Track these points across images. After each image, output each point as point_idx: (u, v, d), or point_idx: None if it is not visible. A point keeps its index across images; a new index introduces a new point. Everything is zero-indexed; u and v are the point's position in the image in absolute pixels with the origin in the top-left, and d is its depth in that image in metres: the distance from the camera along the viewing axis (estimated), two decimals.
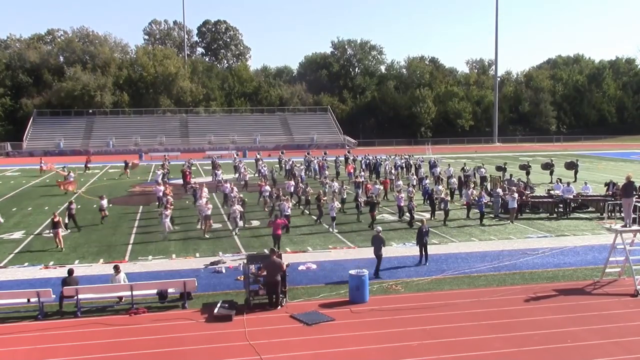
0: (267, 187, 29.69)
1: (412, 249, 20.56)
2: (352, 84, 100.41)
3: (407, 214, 25.69)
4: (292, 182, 31.96)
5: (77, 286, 14.89)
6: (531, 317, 14.25)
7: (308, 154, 49.20)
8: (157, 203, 29.73)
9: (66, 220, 24.58)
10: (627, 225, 17.13)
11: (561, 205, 27.95)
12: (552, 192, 29.80)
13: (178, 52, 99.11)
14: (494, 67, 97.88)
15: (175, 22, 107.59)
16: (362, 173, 37.94)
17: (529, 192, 29.73)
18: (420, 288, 16.68)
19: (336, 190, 29.45)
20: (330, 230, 24.33)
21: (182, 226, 25.17)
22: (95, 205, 30.99)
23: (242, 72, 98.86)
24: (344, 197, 29.27)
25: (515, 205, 26.21)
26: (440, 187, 30.34)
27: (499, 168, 39.38)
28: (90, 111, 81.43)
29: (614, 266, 17.50)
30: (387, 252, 18.19)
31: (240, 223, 24.40)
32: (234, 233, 23.81)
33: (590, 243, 22.07)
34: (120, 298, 15.33)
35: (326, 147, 69.46)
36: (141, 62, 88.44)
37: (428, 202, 28.41)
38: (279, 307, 14.97)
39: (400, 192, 27.76)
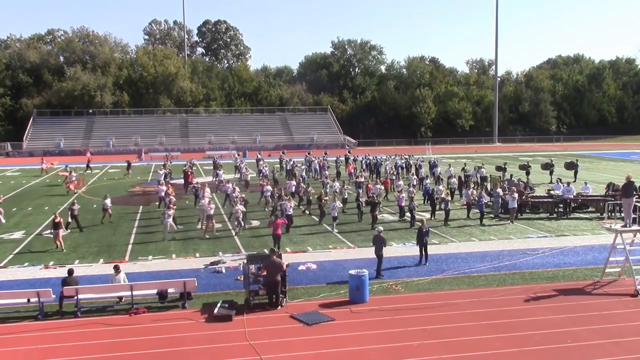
0: (269, 187, 29.69)
1: (412, 249, 20.56)
2: (352, 84, 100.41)
3: (408, 214, 25.69)
4: (294, 182, 31.96)
5: (77, 286, 14.89)
6: (531, 317, 14.25)
7: (309, 154, 49.22)
8: (158, 203, 29.72)
9: (69, 220, 24.58)
10: (627, 225, 17.13)
11: (561, 205, 27.96)
12: (552, 192, 29.81)
13: (178, 52, 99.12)
14: (494, 67, 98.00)
15: (175, 22, 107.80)
16: (363, 173, 37.96)
17: (529, 192, 29.74)
18: (420, 288, 16.68)
19: (337, 191, 29.46)
20: (331, 230, 24.34)
21: (182, 226, 25.17)
22: (95, 205, 31.02)
23: (242, 72, 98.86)
24: (345, 197, 29.28)
25: (515, 205, 26.21)
26: (440, 187, 30.35)
27: (499, 168, 39.40)
28: (90, 111, 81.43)
29: (614, 266, 17.50)
30: (387, 252, 18.20)
31: (242, 222, 24.38)
32: (239, 233, 23.82)
33: (590, 243, 22.07)
34: (120, 298, 15.33)
35: (326, 147, 69.44)
36: (141, 62, 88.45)
37: (429, 202, 28.43)
38: (279, 307, 14.97)
39: (402, 192, 27.75)
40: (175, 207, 25.06)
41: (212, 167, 45.80)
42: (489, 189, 31.81)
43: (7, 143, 72.73)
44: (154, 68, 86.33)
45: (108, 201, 26.72)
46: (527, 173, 38.59)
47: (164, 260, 19.99)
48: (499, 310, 14.78)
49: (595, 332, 13.30)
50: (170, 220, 23.23)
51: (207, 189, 28.69)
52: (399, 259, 19.63)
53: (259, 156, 47.30)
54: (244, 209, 24.69)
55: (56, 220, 21.60)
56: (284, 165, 44.14)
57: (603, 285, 16.80)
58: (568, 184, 29.29)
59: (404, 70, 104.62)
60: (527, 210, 28.22)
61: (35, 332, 13.56)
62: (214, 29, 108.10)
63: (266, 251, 18.78)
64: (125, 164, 47.02)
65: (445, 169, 38.44)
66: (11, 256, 20.69)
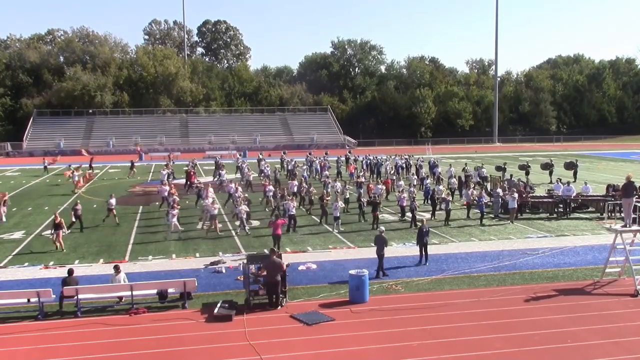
0: (271, 187, 29.69)
1: (412, 249, 20.57)
2: (352, 84, 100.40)
3: (409, 214, 25.70)
4: (296, 182, 31.96)
5: (77, 286, 14.89)
6: (531, 317, 14.25)
7: (310, 154, 49.24)
8: (162, 203, 29.67)
9: (72, 220, 24.59)
10: (627, 225, 17.14)
11: (561, 205, 27.96)
12: (552, 192, 29.80)
13: (178, 52, 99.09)
14: (494, 67, 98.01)
15: (175, 22, 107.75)
16: (362, 173, 37.95)
17: (529, 192, 29.74)
18: (420, 288, 16.68)
19: (339, 191, 29.47)
20: (333, 229, 24.36)
21: (183, 226, 25.15)
22: (95, 205, 31.04)
23: (242, 72, 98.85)
24: (347, 197, 29.28)
25: (515, 205, 26.22)
26: (441, 187, 30.36)
27: (498, 168, 39.43)
28: (90, 111, 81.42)
29: (614, 266, 17.50)
30: (387, 252, 18.18)
31: (246, 222, 24.37)
32: (244, 232, 23.84)
33: (590, 243, 22.08)
34: (120, 298, 15.33)
35: (326, 147, 69.42)
36: (141, 62, 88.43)
37: (429, 202, 28.44)
38: (279, 307, 14.97)
39: (403, 192, 27.74)
40: (179, 206, 25.09)
41: (211, 167, 45.86)
42: (489, 189, 31.82)
43: (7, 143, 72.73)
44: (154, 68, 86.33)
45: (113, 201, 26.68)
46: (527, 173, 38.61)
47: (164, 260, 20.00)
48: (498, 310, 14.78)
49: (595, 332, 13.30)
50: (175, 220, 23.28)
51: (210, 189, 28.70)
52: (399, 259, 19.63)
53: (260, 156, 47.27)
54: (247, 209, 24.69)
55: (57, 221, 21.60)
56: (285, 166, 44.15)
57: (603, 285, 16.80)
58: (568, 183, 29.30)
59: (404, 70, 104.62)
60: (527, 210, 28.22)
61: (35, 332, 13.56)
62: (214, 29, 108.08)
63: (266, 251, 18.78)
64: (129, 164, 47.11)
65: (446, 169, 38.44)
66: (11, 256, 20.70)
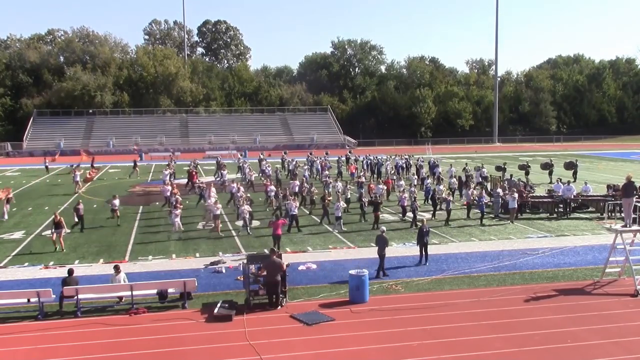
0: (273, 187, 29.69)
1: (412, 249, 20.57)
2: (352, 84, 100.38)
3: (410, 213, 25.71)
4: (297, 182, 31.97)
5: (77, 286, 14.89)
6: (531, 317, 14.25)
7: (311, 154, 49.25)
8: (165, 203, 29.67)
9: (75, 219, 24.58)
10: (627, 225, 17.14)
11: (561, 205, 27.96)
12: (552, 192, 29.80)
13: (178, 52, 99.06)
14: (494, 67, 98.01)
15: (175, 22, 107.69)
16: (362, 173, 37.93)
17: (529, 192, 29.74)
18: (420, 288, 16.68)
19: (340, 191, 29.49)
20: (334, 229, 24.36)
21: (183, 226, 25.14)
22: (95, 205, 31.05)
23: (242, 72, 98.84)
24: (348, 197, 29.30)
25: (515, 205, 26.22)
26: (441, 186, 30.36)
27: (498, 168, 39.44)
28: (90, 111, 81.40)
29: (614, 266, 17.50)
30: (387, 252, 18.17)
31: (249, 222, 24.36)
32: (245, 232, 23.84)
33: (590, 243, 22.08)
34: (120, 298, 15.34)
35: (326, 147, 69.42)
36: (141, 62, 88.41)
37: (430, 202, 28.43)
38: (279, 307, 14.97)
39: (404, 192, 27.76)
40: (181, 206, 25.11)
41: (211, 167, 45.85)
42: (489, 189, 31.81)
43: (7, 143, 72.71)
44: (154, 68, 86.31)
45: (117, 202, 26.68)
46: (527, 173, 38.62)
47: (164, 260, 20.00)
48: (498, 310, 14.78)
49: (595, 332, 13.31)
50: (178, 219, 23.29)
51: (213, 189, 28.72)
52: (399, 259, 19.63)
53: (262, 156, 47.25)
54: (250, 209, 24.71)
55: (56, 220, 21.60)
56: (287, 166, 44.16)
57: (603, 285, 16.81)
58: (568, 182, 29.30)
59: (404, 70, 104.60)
60: (527, 210, 28.22)
61: (35, 332, 13.56)
62: (214, 29, 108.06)
63: (266, 251, 18.79)
64: (132, 164, 47.10)
65: (446, 169, 38.44)
66: (11, 256, 20.69)
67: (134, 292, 14.90)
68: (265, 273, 14.98)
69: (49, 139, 74.66)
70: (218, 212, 24.13)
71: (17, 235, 24.24)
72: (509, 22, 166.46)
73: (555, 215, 27.45)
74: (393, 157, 47.12)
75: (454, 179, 33.18)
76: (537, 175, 41.23)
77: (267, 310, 14.82)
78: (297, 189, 30.57)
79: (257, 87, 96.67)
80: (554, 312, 14.57)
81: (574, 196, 28.26)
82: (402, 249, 21.15)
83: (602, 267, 17.63)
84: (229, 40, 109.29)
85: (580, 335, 13.09)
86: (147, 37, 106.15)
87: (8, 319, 14.38)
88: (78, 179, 37.41)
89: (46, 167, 48.69)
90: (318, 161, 43.28)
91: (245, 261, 16.20)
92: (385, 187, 31.87)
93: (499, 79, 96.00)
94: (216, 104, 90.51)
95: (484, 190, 29.98)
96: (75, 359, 12.16)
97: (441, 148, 74.92)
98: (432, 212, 27.72)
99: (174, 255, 20.54)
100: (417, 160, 42.74)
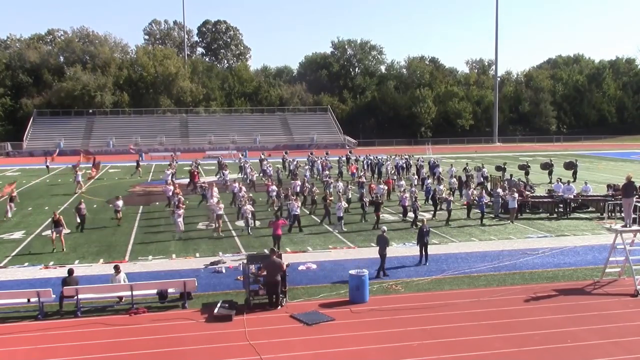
0: (274, 187, 29.70)
1: (412, 249, 20.57)
2: (352, 84, 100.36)
3: (411, 213, 25.71)
4: (298, 182, 31.97)
5: (77, 286, 14.90)
6: (531, 317, 14.25)
7: (311, 154, 49.25)
8: (168, 203, 29.67)
9: (77, 220, 24.59)
10: (627, 225, 17.14)
11: (561, 205, 27.96)
12: (552, 192, 29.80)
13: (178, 52, 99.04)
14: (494, 67, 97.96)
15: (175, 22, 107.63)
16: (363, 173, 37.92)
17: (529, 192, 29.74)
18: (420, 288, 16.69)
19: (341, 191, 29.50)
20: (334, 229, 24.36)
21: (183, 226, 25.15)
22: (95, 205, 31.03)
23: (242, 72, 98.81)
24: (349, 197, 29.30)
25: (515, 205, 26.22)
26: (442, 186, 30.37)
27: (498, 168, 39.43)
28: (90, 111, 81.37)
29: (614, 266, 17.50)
30: (387, 251, 18.17)
31: (251, 222, 24.36)
32: (246, 232, 23.84)
33: (590, 243, 22.08)
34: (120, 298, 15.34)
35: (326, 147, 69.37)
36: (141, 62, 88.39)
37: (431, 201, 28.42)
38: (279, 307, 14.98)
39: (405, 192, 27.77)
40: (184, 206, 25.12)
41: (211, 167, 45.83)
42: (489, 189, 31.81)
43: (7, 143, 72.71)
44: (154, 68, 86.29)
45: (120, 203, 26.68)
46: (527, 173, 38.62)
47: (164, 260, 20.00)
48: (498, 310, 14.78)
49: (594, 332, 13.31)
50: (181, 219, 23.31)
51: (215, 189, 28.71)
52: (399, 259, 19.62)
53: (263, 156, 47.27)
54: (252, 209, 24.72)
55: (55, 219, 21.59)
56: (287, 166, 44.17)
57: (603, 285, 16.81)
58: (568, 182, 29.30)
59: (404, 70, 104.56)
60: (527, 210, 28.23)
61: (35, 332, 13.56)
62: (214, 29, 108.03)
63: (266, 251, 18.79)
64: (134, 164, 47.05)
65: (447, 169, 38.45)
66: (11, 256, 20.69)
67: (134, 292, 14.90)
68: (265, 273, 14.99)
69: (49, 139, 74.62)
70: (220, 212, 24.15)
71: (17, 235, 24.24)
72: (509, 22, 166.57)
73: (555, 215, 27.45)
74: (393, 157, 47.11)
75: (454, 179, 33.19)
76: (537, 175, 41.23)
77: (267, 310, 14.82)
78: (298, 189, 30.59)
79: (257, 87, 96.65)
80: (554, 312, 14.57)
81: (574, 196, 28.27)
82: (402, 249, 21.15)
83: (602, 267, 17.63)
84: (229, 40, 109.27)
85: (580, 335, 13.09)
86: (147, 37, 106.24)
87: (8, 319, 14.39)
88: (80, 179, 37.38)
89: (47, 166, 48.76)
90: (319, 161, 43.28)
91: (245, 261, 16.20)
92: (386, 187, 31.88)
93: (499, 79, 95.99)
94: (216, 104, 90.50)
95: (484, 190, 29.98)
96: (75, 359, 12.16)
97: (441, 148, 74.91)
98: (432, 212, 27.71)
99: (174, 255, 20.55)
100: (417, 161, 42.76)
